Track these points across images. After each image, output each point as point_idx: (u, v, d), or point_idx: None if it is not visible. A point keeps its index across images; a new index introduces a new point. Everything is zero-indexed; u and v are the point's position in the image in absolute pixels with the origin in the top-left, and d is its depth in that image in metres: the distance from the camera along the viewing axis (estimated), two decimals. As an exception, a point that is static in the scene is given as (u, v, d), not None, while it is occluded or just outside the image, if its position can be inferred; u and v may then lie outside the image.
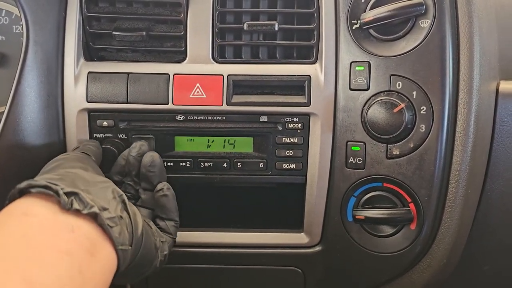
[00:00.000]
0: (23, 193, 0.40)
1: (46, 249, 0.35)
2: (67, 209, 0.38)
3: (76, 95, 0.57)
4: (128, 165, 0.53)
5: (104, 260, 0.40)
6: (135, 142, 0.54)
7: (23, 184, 0.40)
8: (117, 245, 0.40)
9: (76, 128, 0.57)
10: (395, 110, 0.53)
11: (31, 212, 0.38)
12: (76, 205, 0.38)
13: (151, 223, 0.51)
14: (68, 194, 0.39)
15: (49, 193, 0.39)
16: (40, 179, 0.40)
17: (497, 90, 0.59)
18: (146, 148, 0.54)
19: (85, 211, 0.39)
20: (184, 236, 0.60)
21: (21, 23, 0.56)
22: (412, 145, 0.54)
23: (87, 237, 0.38)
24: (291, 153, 0.58)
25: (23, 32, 0.55)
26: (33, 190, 0.39)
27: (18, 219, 0.37)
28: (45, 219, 0.38)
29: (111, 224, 0.40)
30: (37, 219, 0.37)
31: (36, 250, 0.35)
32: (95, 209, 0.39)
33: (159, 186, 0.52)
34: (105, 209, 0.40)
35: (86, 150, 0.53)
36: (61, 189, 0.39)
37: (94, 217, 0.39)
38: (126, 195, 0.47)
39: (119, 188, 0.47)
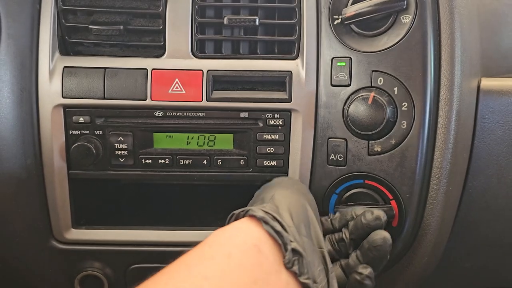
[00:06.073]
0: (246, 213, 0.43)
1: None
2: (287, 266, 0.39)
3: (51, 90, 0.55)
4: (354, 227, 0.51)
5: None
6: (371, 211, 0.50)
7: (259, 213, 0.41)
8: None
9: (51, 124, 0.55)
10: (377, 105, 0.53)
11: (263, 251, 0.39)
12: (295, 268, 0.39)
13: None
14: (294, 252, 0.40)
15: (277, 239, 0.40)
16: (273, 214, 0.41)
17: (479, 87, 0.59)
18: (380, 223, 0.50)
19: (301, 279, 0.39)
20: (164, 235, 0.59)
21: (-7, 17, 0.54)
22: (393, 142, 0.54)
23: None
24: (272, 150, 0.57)
25: (-5, 26, 0.53)
26: (264, 226, 0.40)
27: (252, 253, 0.39)
28: (271, 265, 0.39)
29: None
30: (267, 262, 0.38)
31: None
32: (309, 282, 0.39)
33: (364, 271, 0.48)
34: (315, 282, 0.40)
35: None
36: (291, 243, 0.40)
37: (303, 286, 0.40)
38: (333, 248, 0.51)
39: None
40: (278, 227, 0.40)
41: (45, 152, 0.56)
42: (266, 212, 0.41)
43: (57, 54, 0.56)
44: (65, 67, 0.55)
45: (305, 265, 0.40)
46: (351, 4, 0.54)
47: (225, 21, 0.55)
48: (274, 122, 0.56)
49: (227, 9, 0.57)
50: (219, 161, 0.57)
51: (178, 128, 0.56)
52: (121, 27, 0.55)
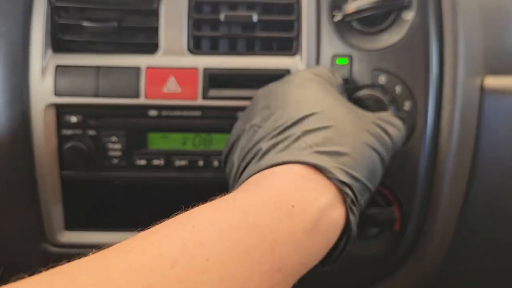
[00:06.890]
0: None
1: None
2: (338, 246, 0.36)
3: (43, 89, 0.54)
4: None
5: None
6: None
7: (348, 191, 0.35)
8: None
9: (43, 124, 0.54)
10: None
11: (333, 220, 0.34)
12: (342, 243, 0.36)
13: None
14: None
15: (351, 223, 0.35)
16: (358, 195, 0.36)
17: (482, 85, 0.57)
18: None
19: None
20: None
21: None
22: (395, 143, 0.52)
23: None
24: None
25: (-14, 23, 0.52)
26: (350, 215, 0.35)
27: (325, 221, 0.33)
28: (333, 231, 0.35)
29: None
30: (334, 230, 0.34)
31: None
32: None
33: None
34: None
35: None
36: (355, 227, 0.36)
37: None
38: None
39: None
40: (356, 211, 0.36)
41: (36, 152, 0.54)
42: (354, 196, 0.36)
43: (49, 52, 0.54)
44: (57, 65, 0.54)
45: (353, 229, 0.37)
46: (352, 0, 0.53)
47: (222, 17, 0.54)
48: None
49: (224, 6, 0.55)
50: (215, 162, 0.56)
51: (174, 127, 0.55)
52: (116, 24, 0.53)
